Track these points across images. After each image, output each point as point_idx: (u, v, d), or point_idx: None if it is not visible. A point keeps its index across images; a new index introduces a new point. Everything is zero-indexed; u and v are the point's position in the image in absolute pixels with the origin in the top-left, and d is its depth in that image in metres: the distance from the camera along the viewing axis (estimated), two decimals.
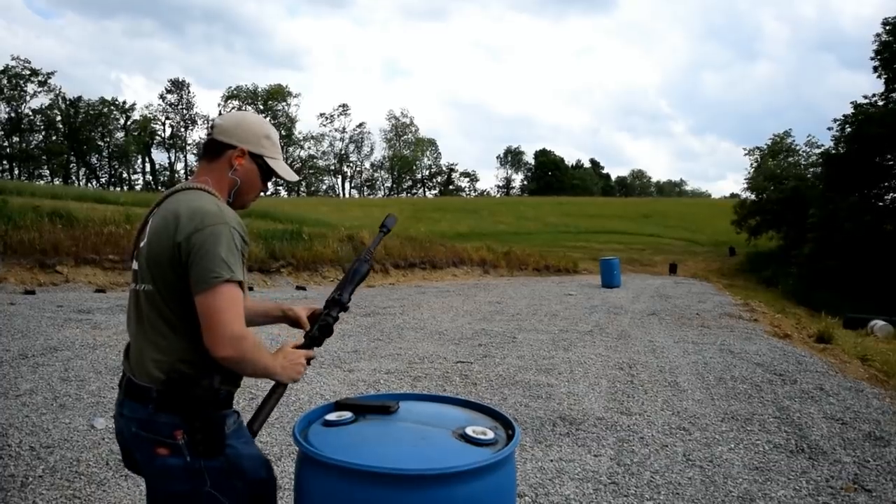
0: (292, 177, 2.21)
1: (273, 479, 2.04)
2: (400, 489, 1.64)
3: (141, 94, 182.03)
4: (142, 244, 2.00)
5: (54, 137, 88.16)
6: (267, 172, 2.12)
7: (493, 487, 1.74)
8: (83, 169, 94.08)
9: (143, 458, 1.94)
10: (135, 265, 2.04)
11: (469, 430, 1.87)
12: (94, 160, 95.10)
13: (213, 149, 2.06)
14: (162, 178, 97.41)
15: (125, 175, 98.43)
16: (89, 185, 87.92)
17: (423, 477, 1.65)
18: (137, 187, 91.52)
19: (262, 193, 2.21)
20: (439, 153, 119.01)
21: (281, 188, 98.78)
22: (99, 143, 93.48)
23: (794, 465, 4.71)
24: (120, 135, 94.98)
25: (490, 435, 1.86)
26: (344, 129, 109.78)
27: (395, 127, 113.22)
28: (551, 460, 4.67)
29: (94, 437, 4.76)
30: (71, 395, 5.79)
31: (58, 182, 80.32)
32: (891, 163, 33.65)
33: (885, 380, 7.73)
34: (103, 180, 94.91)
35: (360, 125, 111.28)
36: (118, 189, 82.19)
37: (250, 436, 2.03)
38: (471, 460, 1.71)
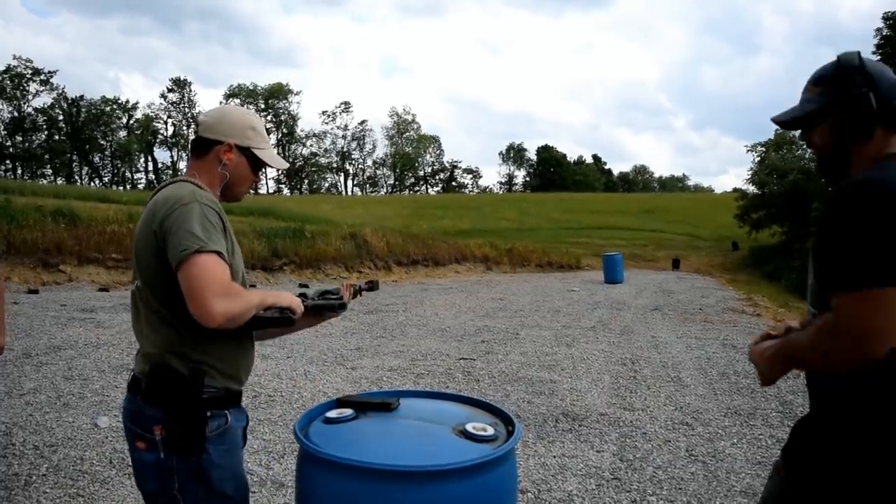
0: (282, 164, 2.22)
1: (239, 499, 1.98)
2: (400, 485, 1.64)
3: (139, 92, 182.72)
4: (133, 244, 2.03)
5: (57, 137, 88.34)
6: (256, 163, 2.12)
7: (494, 483, 1.75)
8: (86, 168, 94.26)
9: (130, 450, 1.98)
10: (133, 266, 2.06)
11: (469, 427, 1.87)
12: (96, 159, 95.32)
13: (201, 146, 2.07)
14: (164, 177, 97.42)
15: (128, 174, 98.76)
16: (92, 184, 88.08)
17: (423, 473, 1.66)
18: (140, 186, 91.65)
19: (254, 184, 2.23)
20: (442, 150, 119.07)
21: (283, 186, 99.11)
22: (101, 142, 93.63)
23: None
24: (122, 134, 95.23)
25: (490, 431, 1.87)
26: (346, 126, 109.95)
27: (397, 124, 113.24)
28: (554, 456, 4.67)
29: (98, 435, 4.78)
30: (74, 394, 5.81)
31: (60, 181, 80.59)
32: None
33: None
34: (106, 179, 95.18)
35: (362, 122, 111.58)
36: (121, 188, 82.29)
37: (236, 447, 1.98)
38: (471, 456, 1.71)
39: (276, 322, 1.94)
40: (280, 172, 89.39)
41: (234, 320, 1.79)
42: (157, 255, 1.86)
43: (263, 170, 2.19)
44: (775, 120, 1.81)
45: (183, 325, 1.86)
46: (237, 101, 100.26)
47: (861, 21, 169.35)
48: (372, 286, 2.54)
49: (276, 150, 2.23)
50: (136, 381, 1.95)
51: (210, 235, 1.82)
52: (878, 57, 34.36)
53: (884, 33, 34.31)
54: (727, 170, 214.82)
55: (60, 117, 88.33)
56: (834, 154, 1.68)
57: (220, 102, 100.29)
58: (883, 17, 34.42)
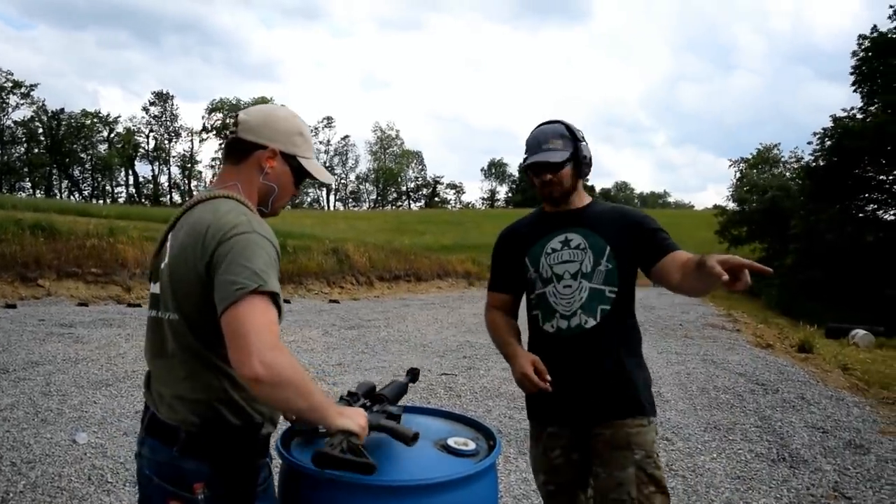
0: (328, 178, 1.95)
1: None
2: (382, 500, 1.65)
3: (118, 105, 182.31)
4: (163, 265, 1.73)
5: (36, 150, 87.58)
6: (300, 174, 1.86)
7: (474, 498, 1.75)
8: (65, 181, 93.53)
9: None
10: (154, 288, 1.77)
11: (451, 442, 1.89)
12: (76, 173, 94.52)
13: (239, 149, 1.79)
14: (145, 191, 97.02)
15: (108, 188, 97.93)
16: (72, 197, 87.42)
17: (404, 488, 1.66)
18: (121, 200, 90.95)
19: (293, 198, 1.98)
20: (424, 166, 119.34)
21: None
22: (82, 155, 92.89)
23: (775, 474, 4.75)
24: (103, 147, 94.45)
25: (471, 446, 1.88)
26: (329, 141, 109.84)
27: (380, 139, 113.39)
28: None
29: (76, 452, 4.73)
30: (52, 410, 5.75)
31: (40, 195, 79.79)
32: (870, 174, 34.03)
33: (865, 388, 7.81)
34: (86, 193, 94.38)
35: (345, 138, 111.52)
36: (101, 202, 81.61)
37: (275, 499, 1.81)
38: (452, 471, 1.72)
39: (352, 468, 1.57)
40: None
41: (277, 383, 1.46)
42: (204, 289, 1.59)
43: (305, 183, 1.94)
44: (548, 163, 2.38)
45: (229, 369, 1.61)
46: (220, 115, 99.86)
47: (836, 40, 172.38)
48: (413, 376, 2.38)
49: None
50: (168, 429, 1.66)
51: (269, 274, 1.55)
52: (856, 77, 34.90)
53: (860, 55, 34.83)
54: (706, 186, 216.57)
55: (40, 130, 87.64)
56: (572, 187, 2.44)
57: (203, 117, 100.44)
58: (858, 40, 34.92)
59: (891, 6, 33.39)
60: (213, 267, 1.58)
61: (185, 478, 1.62)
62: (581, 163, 2.41)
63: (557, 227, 2.48)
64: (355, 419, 1.63)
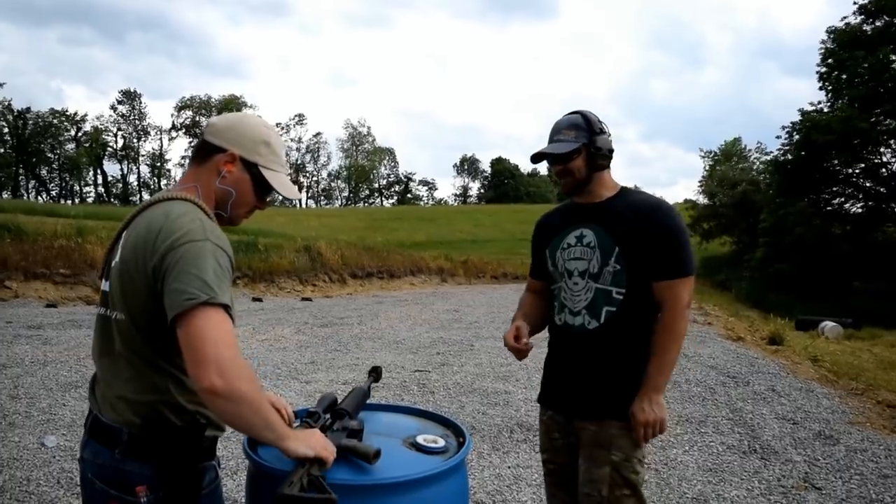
0: (293, 194, 1.91)
1: None
2: (349, 500, 1.63)
3: (83, 103, 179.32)
4: (114, 263, 1.70)
5: (2, 150, 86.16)
6: (263, 186, 1.82)
7: (444, 495, 1.75)
8: (32, 182, 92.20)
9: None
10: (105, 286, 1.74)
11: (420, 439, 1.88)
12: (43, 173, 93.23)
13: (203, 151, 1.78)
14: (114, 191, 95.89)
15: (76, 188, 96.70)
16: (39, 198, 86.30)
17: (373, 487, 1.66)
18: (89, 200, 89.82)
19: (257, 210, 1.92)
20: (396, 162, 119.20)
21: None
22: (49, 155, 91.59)
23: (746, 466, 4.80)
24: (71, 146, 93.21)
25: (441, 443, 1.88)
26: (300, 138, 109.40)
27: (351, 136, 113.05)
28: (508, 467, 4.69)
29: (45, 455, 4.67)
30: (20, 413, 5.67)
31: (6, 195, 78.54)
32: (837, 168, 34.52)
33: (834, 380, 7.92)
34: (54, 193, 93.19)
35: (317, 135, 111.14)
36: (69, 202, 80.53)
37: (222, 502, 1.80)
38: (420, 469, 1.72)
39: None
40: None
41: (233, 397, 1.46)
42: (151, 292, 1.57)
43: (271, 196, 1.91)
44: (552, 154, 2.38)
45: (177, 370, 1.60)
46: (189, 112, 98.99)
47: (800, 36, 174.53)
48: (376, 376, 2.32)
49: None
50: (110, 431, 1.63)
51: (220, 285, 1.53)
52: (823, 69, 35.34)
53: (827, 46, 35.27)
54: (677, 180, 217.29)
55: (6, 129, 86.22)
56: (587, 178, 2.41)
57: (172, 115, 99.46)
58: (828, 30, 35.39)
59: (854, 2, 33.90)
60: (161, 272, 1.55)
61: (128, 480, 1.59)
62: (595, 154, 2.37)
63: (576, 221, 2.49)
64: (309, 443, 1.60)
